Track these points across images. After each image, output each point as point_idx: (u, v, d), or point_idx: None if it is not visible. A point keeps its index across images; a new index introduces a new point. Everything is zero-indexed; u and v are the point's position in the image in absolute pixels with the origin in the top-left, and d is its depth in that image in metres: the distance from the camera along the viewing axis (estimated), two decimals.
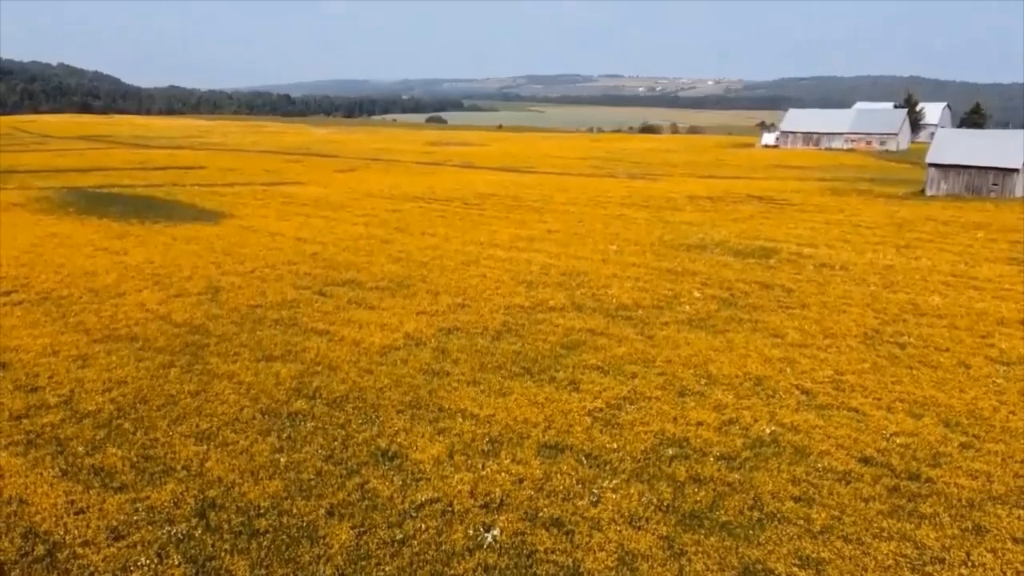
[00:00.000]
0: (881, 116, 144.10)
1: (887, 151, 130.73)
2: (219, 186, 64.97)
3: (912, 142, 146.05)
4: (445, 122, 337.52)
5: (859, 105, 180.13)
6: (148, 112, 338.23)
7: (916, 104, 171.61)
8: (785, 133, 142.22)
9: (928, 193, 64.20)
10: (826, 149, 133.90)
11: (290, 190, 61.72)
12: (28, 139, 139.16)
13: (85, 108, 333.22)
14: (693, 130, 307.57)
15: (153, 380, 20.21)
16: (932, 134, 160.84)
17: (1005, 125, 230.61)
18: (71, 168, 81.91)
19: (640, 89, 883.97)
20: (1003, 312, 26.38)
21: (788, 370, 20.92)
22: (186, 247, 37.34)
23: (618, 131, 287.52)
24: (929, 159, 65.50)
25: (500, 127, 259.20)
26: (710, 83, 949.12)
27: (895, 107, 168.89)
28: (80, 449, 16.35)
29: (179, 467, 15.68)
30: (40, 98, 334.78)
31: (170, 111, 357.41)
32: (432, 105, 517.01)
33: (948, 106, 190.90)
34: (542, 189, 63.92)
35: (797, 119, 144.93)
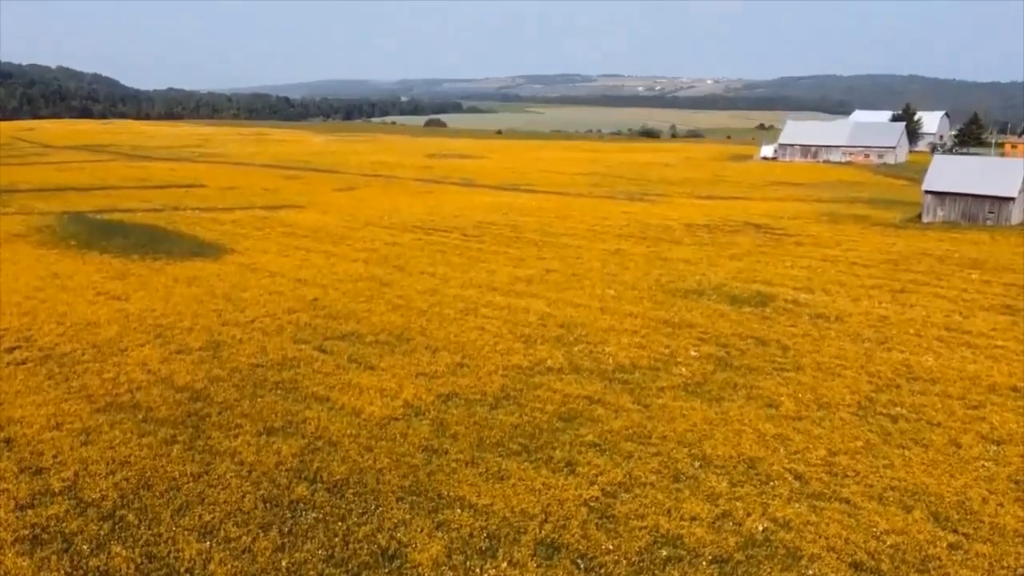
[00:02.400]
0: (878, 130, 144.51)
1: (885, 164, 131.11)
2: (219, 210, 65.32)
3: (911, 151, 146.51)
4: (444, 125, 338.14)
5: (857, 116, 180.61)
6: (148, 116, 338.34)
7: (914, 114, 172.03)
8: (783, 146, 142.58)
9: (924, 220, 64.53)
10: (824, 162, 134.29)
11: (290, 217, 62.00)
12: (28, 149, 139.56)
13: (85, 112, 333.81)
14: (693, 133, 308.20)
15: (156, 460, 20.52)
16: (931, 144, 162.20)
17: (1005, 125, 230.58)
18: (71, 186, 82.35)
19: (640, 89, 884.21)
20: (995, 377, 26.69)
21: (781, 450, 21.24)
22: (187, 291, 37.63)
23: (618, 133, 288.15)
24: (925, 186, 65.84)
25: (499, 132, 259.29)
26: (710, 83, 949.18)
27: (893, 117, 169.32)
28: (85, 547, 16.64)
29: (183, 569, 15.98)
30: (40, 102, 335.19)
31: (169, 114, 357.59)
32: (431, 107, 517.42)
33: (947, 114, 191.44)
34: (541, 216, 64.20)
35: (795, 132, 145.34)
